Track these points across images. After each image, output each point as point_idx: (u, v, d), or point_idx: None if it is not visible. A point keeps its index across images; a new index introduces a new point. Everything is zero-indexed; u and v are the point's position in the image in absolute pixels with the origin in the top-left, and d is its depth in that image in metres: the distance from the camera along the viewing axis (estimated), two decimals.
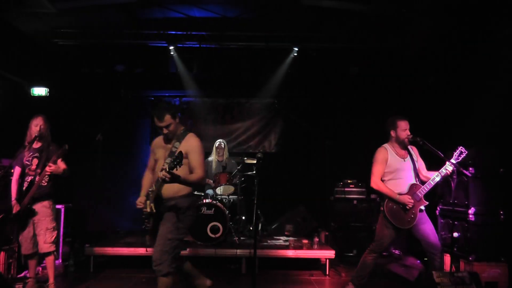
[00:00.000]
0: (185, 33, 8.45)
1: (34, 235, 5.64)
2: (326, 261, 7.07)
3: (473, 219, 6.09)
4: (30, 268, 5.80)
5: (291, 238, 8.01)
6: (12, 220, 5.68)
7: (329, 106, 9.76)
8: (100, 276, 6.73)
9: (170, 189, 4.51)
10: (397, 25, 7.71)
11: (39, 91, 8.32)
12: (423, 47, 7.98)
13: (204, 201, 7.52)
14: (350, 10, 7.33)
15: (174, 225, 4.55)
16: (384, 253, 7.48)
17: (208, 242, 7.26)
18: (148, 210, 4.48)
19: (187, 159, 4.59)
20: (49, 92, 8.35)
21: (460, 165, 5.22)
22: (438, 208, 6.85)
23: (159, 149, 4.77)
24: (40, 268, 6.09)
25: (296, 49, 8.72)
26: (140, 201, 4.61)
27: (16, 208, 5.60)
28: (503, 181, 6.18)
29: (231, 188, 8.02)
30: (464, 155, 5.22)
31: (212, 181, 8.20)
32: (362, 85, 9.27)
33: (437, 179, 5.21)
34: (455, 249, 6.24)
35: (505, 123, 6.35)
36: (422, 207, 5.30)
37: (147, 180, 4.90)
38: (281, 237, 8.25)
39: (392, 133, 5.43)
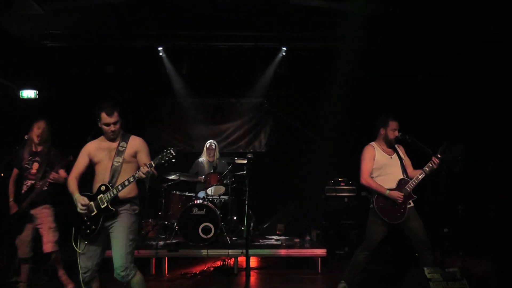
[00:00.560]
0: (173, 33, 8.44)
1: (32, 240, 5.65)
2: (318, 259, 7.10)
3: (462, 214, 6.15)
4: (23, 272, 5.79)
5: (283, 237, 8.04)
6: (9, 221, 5.68)
7: (318, 105, 9.77)
8: None
9: (126, 190, 4.45)
10: (385, 24, 7.74)
11: (28, 93, 8.28)
12: (411, 46, 8.01)
13: (196, 202, 7.52)
14: (339, 10, 7.36)
15: (132, 225, 4.52)
16: None
17: (200, 242, 7.25)
18: (96, 211, 4.39)
19: (135, 158, 4.63)
20: (38, 94, 8.30)
21: (448, 160, 5.29)
22: (428, 204, 6.90)
23: (99, 151, 4.61)
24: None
25: (285, 48, 8.74)
26: (84, 204, 4.38)
27: (14, 209, 5.61)
28: (492, 176, 6.24)
29: (222, 189, 8.01)
30: (450, 150, 5.29)
31: (202, 177, 8.26)
32: (351, 84, 9.29)
33: (422, 176, 5.31)
34: (445, 244, 6.30)
35: (492, 118, 6.43)
36: (411, 202, 5.40)
37: (75, 185, 4.56)
38: (273, 237, 8.28)
39: (382, 131, 5.52)
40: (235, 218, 8.31)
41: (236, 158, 7.94)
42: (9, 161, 5.79)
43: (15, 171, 5.81)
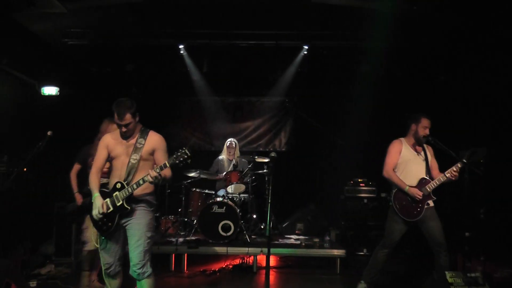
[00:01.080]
0: (194, 31, 8.44)
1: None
2: (337, 260, 7.07)
3: (484, 218, 6.08)
4: (97, 265, 5.74)
5: (302, 237, 8.02)
6: (77, 211, 5.90)
7: (339, 105, 9.72)
8: None
9: (141, 187, 4.38)
10: (407, 23, 7.66)
11: (49, 90, 8.33)
12: (433, 46, 7.92)
13: (216, 199, 7.54)
14: (361, 8, 7.29)
15: (149, 222, 4.48)
16: None
17: (220, 240, 7.28)
18: (111, 208, 4.36)
19: (152, 156, 4.55)
20: (59, 91, 8.38)
21: (471, 164, 5.24)
22: (450, 207, 6.83)
23: (116, 145, 4.54)
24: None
25: (306, 47, 8.69)
26: (101, 206, 4.34)
27: (79, 200, 5.81)
28: None
29: (242, 187, 8.03)
30: (473, 153, 5.25)
31: (222, 175, 8.29)
32: (372, 84, 9.22)
33: (443, 179, 5.30)
34: (466, 248, 6.23)
35: None
36: (431, 203, 5.40)
37: (97, 182, 4.55)
38: (292, 236, 8.26)
39: (413, 127, 5.54)
40: (254, 216, 8.32)
41: (256, 157, 7.95)
42: (33, 157, 5.83)
43: (77, 165, 5.93)
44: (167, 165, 4.24)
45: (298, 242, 7.58)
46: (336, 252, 7.13)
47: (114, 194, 4.38)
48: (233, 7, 7.46)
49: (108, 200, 4.39)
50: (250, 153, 8.99)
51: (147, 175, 4.25)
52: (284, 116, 10.27)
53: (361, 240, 8.25)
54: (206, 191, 8.13)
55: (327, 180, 9.15)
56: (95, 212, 4.34)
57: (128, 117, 4.37)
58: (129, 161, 4.44)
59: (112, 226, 4.39)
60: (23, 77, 8.03)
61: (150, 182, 4.30)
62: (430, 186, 5.32)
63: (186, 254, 7.08)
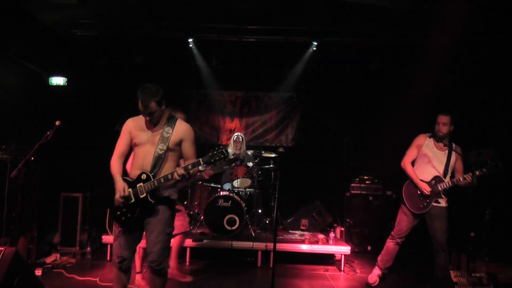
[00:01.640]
0: (204, 25, 8.43)
1: None
2: (341, 256, 7.07)
3: (490, 218, 6.09)
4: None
5: (306, 233, 8.01)
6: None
7: (347, 101, 9.71)
8: None
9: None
10: (419, 20, 7.61)
11: (58, 80, 8.37)
12: (446, 44, 7.87)
13: (221, 193, 7.55)
14: (371, 5, 7.26)
15: (169, 218, 4.24)
16: None
17: (225, 234, 7.30)
18: (133, 200, 4.12)
19: (179, 146, 4.25)
20: (67, 82, 8.40)
21: (478, 164, 5.32)
22: (455, 207, 6.82)
23: (140, 132, 4.24)
24: None
25: (316, 43, 8.66)
26: (123, 196, 4.10)
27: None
28: None
29: (248, 181, 8.04)
30: (481, 156, 5.35)
31: (228, 169, 8.29)
32: (382, 81, 9.20)
33: (457, 182, 5.40)
34: (471, 248, 6.23)
35: None
36: (443, 203, 5.51)
37: (119, 167, 4.27)
38: (297, 232, 8.27)
39: (435, 125, 5.65)
40: (260, 211, 8.34)
41: (263, 152, 7.96)
42: (41, 145, 5.84)
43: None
44: (201, 162, 4.00)
45: (303, 237, 7.58)
46: (341, 248, 7.12)
47: (138, 185, 4.12)
48: (243, 2, 7.46)
49: (130, 190, 4.13)
50: (256, 148, 8.99)
51: (175, 172, 4.02)
52: (291, 112, 10.25)
53: (366, 238, 8.28)
54: (212, 184, 8.13)
55: (333, 176, 9.12)
56: (117, 196, 4.08)
57: (153, 105, 4.07)
58: (155, 151, 4.14)
59: (131, 219, 4.11)
60: (32, 67, 8.06)
61: (177, 180, 4.09)
62: (442, 186, 5.43)
63: (189, 248, 7.07)
